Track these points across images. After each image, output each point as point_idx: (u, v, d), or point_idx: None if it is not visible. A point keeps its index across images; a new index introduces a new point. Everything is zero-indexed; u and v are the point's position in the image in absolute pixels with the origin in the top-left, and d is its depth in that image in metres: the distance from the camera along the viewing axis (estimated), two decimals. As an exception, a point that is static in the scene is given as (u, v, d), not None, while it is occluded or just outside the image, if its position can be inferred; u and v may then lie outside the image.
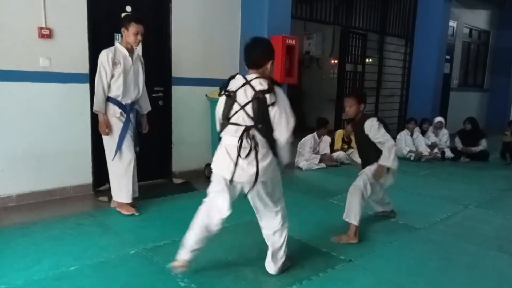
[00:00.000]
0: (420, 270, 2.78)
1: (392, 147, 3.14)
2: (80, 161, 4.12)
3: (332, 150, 6.24)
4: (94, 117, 4.14)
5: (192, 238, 2.44)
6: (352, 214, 3.17)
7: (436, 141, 7.02)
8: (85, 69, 4.04)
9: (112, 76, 3.46)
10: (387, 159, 3.15)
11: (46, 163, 3.93)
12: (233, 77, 2.40)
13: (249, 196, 2.44)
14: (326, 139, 6.14)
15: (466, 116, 7.28)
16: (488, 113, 11.55)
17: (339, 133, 6.42)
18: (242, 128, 2.28)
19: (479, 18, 10.74)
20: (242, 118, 2.29)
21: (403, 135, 6.87)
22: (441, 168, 6.22)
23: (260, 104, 2.23)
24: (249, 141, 2.27)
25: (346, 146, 6.36)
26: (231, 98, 2.32)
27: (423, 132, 7.07)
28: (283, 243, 2.58)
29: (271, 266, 2.60)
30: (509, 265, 2.97)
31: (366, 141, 3.23)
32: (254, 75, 2.33)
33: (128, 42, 3.50)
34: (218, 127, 2.45)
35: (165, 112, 4.77)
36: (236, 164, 2.29)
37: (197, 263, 2.72)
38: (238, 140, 2.27)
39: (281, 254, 2.60)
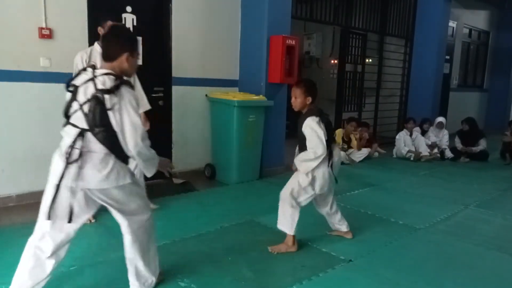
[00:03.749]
0: (420, 270, 2.78)
1: (309, 156, 2.86)
2: (80, 161, 4.11)
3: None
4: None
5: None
6: (285, 224, 2.96)
7: (436, 141, 7.02)
8: (85, 69, 4.04)
9: None
10: (299, 161, 2.95)
11: (46, 163, 3.86)
12: (84, 69, 2.10)
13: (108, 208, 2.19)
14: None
15: (465, 116, 7.30)
16: (487, 113, 11.56)
17: (339, 133, 6.41)
18: (79, 130, 2.00)
19: (479, 19, 10.75)
20: (79, 119, 2.00)
21: (402, 135, 6.87)
22: (441, 168, 6.22)
23: (97, 106, 1.94)
24: (81, 144, 1.99)
25: (345, 146, 6.36)
26: (73, 94, 2.05)
27: (424, 132, 7.07)
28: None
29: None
30: (509, 265, 2.98)
31: (302, 138, 2.97)
32: (104, 70, 2.04)
33: None
34: None
35: (165, 112, 4.77)
36: (68, 167, 2.02)
37: (197, 263, 2.73)
38: (71, 143, 2.00)
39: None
